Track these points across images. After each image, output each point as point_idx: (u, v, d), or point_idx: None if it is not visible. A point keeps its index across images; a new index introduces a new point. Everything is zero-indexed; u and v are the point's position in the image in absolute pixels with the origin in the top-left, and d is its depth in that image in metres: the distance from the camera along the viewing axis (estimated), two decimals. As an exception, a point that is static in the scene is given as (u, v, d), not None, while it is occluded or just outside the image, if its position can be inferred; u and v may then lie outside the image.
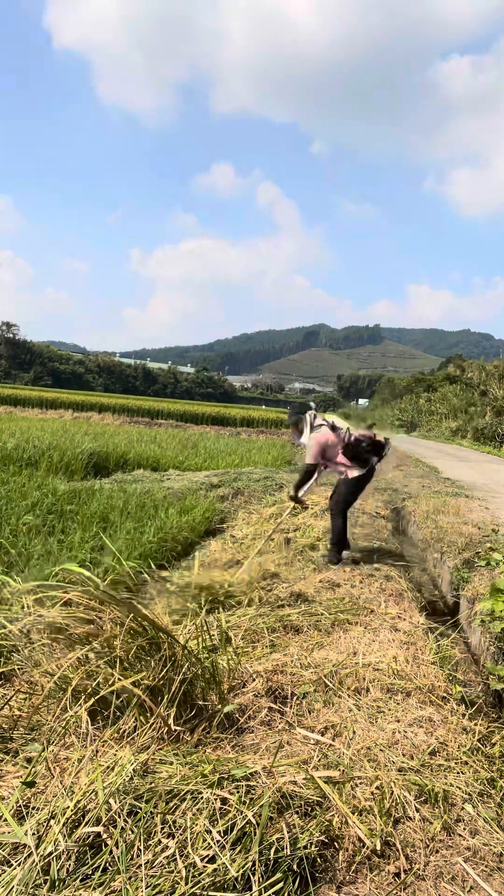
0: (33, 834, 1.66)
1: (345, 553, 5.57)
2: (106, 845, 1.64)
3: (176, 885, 1.55)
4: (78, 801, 1.74)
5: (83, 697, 2.38)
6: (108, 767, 1.92)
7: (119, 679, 2.35)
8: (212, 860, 1.63)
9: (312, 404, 5.87)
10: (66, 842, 1.62)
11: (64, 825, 1.66)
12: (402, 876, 1.79)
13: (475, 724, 2.71)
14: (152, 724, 2.28)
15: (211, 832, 1.70)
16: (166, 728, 2.30)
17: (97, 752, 2.12)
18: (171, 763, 2.04)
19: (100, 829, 1.67)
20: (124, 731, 2.29)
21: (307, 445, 5.45)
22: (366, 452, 5.36)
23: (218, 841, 1.67)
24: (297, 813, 1.87)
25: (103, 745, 2.18)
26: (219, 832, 1.70)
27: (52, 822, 1.68)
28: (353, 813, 1.97)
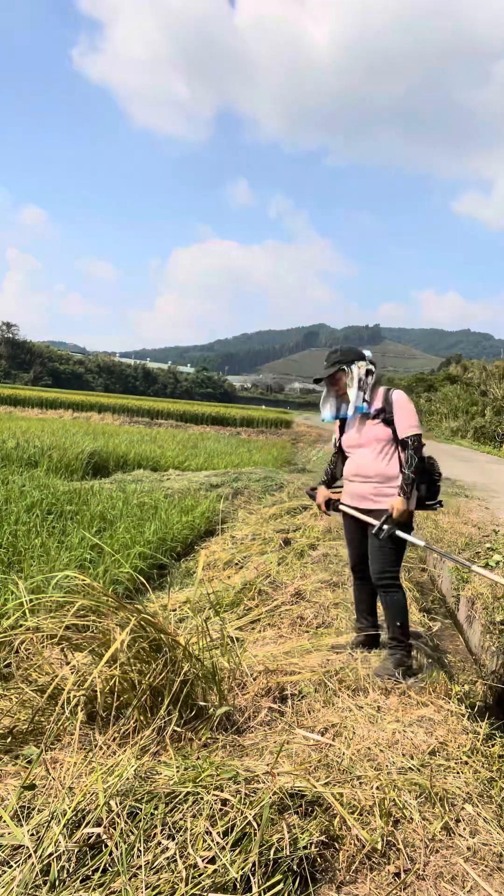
0: (33, 835, 1.66)
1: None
2: (106, 846, 1.64)
3: (176, 887, 1.55)
4: (78, 803, 1.74)
5: (83, 699, 2.38)
6: (108, 769, 1.92)
7: (120, 681, 2.35)
8: (212, 861, 1.63)
9: (368, 353, 3.36)
10: (67, 843, 1.62)
11: (64, 826, 1.66)
12: (403, 876, 1.79)
13: (475, 725, 2.71)
14: (153, 726, 2.28)
15: (211, 833, 1.70)
16: (168, 729, 2.29)
17: (98, 753, 2.12)
18: (172, 764, 2.04)
19: (100, 830, 1.67)
20: (125, 732, 2.29)
21: (396, 405, 3.24)
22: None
23: (218, 842, 1.67)
24: (297, 813, 1.87)
25: (104, 747, 2.18)
26: (219, 833, 1.70)
27: (52, 823, 1.68)
28: (353, 813, 1.97)
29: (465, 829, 2.02)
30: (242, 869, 1.61)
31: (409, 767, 2.29)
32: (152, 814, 1.73)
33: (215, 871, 1.60)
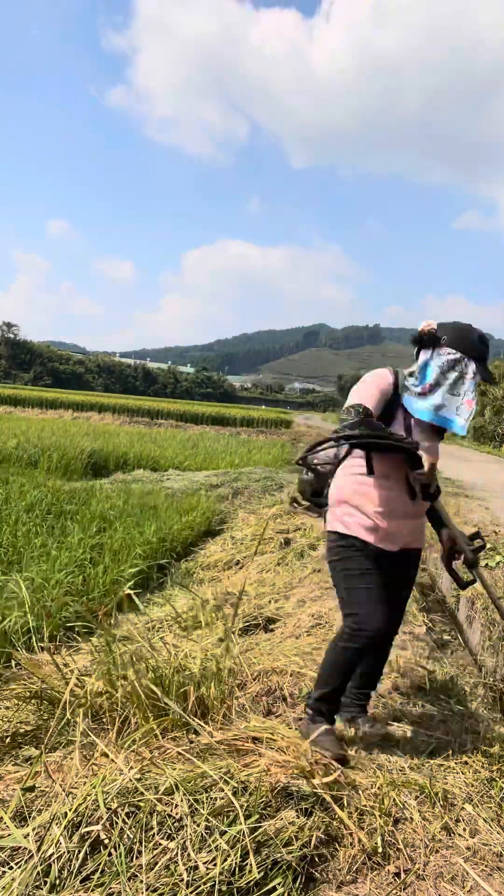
0: (34, 834, 1.66)
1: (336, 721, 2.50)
2: (105, 847, 1.64)
3: (176, 888, 1.55)
4: (79, 804, 1.73)
5: (84, 701, 2.38)
6: (109, 770, 1.92)
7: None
8: (212, 862, 1.63)
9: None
10: (67, 844, 1.62)
11: (65, 828, 1.66)
12: (403, 876, 1.79)
13: (475, 724, 2.71)
14: (153, 729, 2.27)
15: (212, 833, 1.70)
16: (169, 731, 2.29)
17: (99, 754, 2.12)
18: (172, 765, 2.04)
19: (99, 828, 1.67)
20: (126, 734, 2.29)
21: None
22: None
23: (218, 843, 1.67)
24: (297, 812, 1.87)
25: (105, 748, 2.18)
26: (219, 833, 1.70)
27: (52, 824, 1.68)
28: (354, 813, 1.97)
29: (464, 829, 2.02)
30: (242, 869, 1.61)
31: (409, 767, 2.29)
32: (152, 814, 1.73)
33: (216, 871, 1.60)
